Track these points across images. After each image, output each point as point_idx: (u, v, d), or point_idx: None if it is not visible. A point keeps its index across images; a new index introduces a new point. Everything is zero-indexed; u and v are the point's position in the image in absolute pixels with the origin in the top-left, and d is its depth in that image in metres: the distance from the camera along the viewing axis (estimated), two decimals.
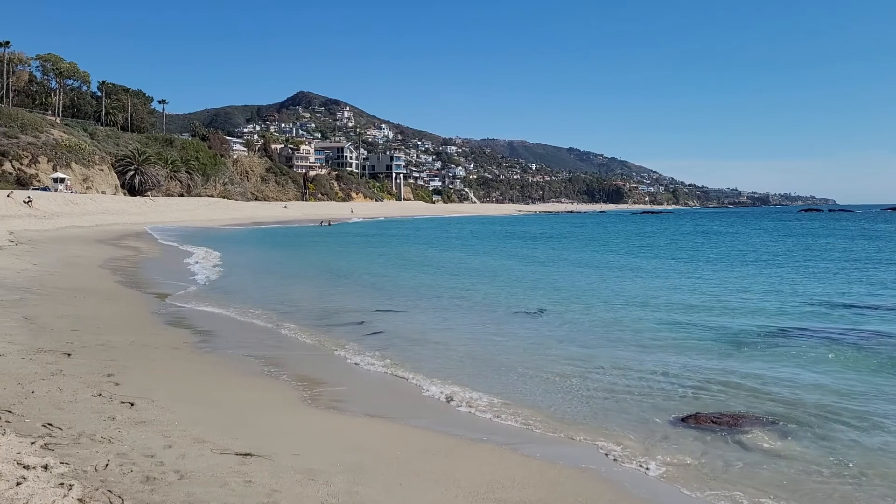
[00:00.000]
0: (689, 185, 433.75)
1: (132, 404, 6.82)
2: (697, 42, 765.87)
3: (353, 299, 18.15)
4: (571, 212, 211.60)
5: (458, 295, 19.46)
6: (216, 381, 8.68)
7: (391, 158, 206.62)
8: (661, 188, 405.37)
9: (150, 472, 4.93)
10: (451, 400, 8.58)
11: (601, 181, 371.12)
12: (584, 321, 14.82)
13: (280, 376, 9.29)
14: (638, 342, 12.51)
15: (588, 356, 11.16)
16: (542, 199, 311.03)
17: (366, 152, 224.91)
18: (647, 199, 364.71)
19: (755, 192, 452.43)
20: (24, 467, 4.63)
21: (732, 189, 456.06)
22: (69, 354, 9.04)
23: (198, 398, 7.56)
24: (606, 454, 6.69)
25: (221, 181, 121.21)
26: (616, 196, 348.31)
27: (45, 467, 4.68)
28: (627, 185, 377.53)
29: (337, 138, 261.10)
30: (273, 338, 12.43)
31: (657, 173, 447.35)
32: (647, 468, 6.32)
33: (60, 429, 5.76)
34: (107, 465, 4.98)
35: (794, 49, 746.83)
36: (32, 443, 5.25)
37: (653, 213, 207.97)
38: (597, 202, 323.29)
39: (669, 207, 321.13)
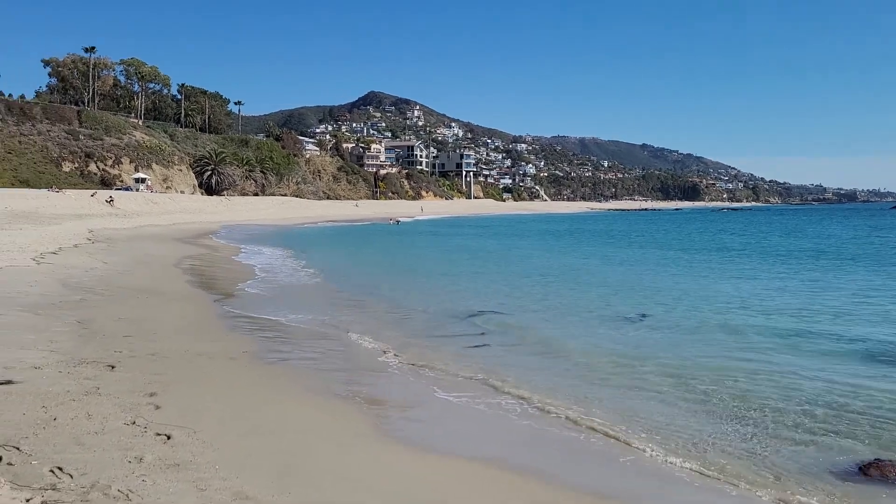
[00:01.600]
0: (770, 181, 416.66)
1: (168, 437, 5.60)
2: (779, 36, 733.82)
3: (436, 303, 16.63)
4: (645, 209, 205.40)
5: (548, 298, 17.83)
6: (274, 401, 7.40)
7: (461, 156, 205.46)
8: (740, 185, 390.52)
9: None
10: (572, 433, 7.02)
11: (676, 178, 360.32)
12: (694, 329, 12.99)
13: (351, 397, 7.94)
14: (764, 355, 10.63)
15: (715, 375, 9.37)
16: (615, 197, 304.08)
17: (436, 151, 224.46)
18: (724, 196, 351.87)
19: (841, 189, 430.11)
20: None
21: (816, 185, 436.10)
22: (113, 367, 7.97)
23: (249, 426, 6.28)
24: None
25: (294, 180, 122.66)
26: (692, 193, 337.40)
27: None
28: (704, 181, 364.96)
29: (407, 137, 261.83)
30: (347, 347, 11.15)
31: (735, 169, 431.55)
32: None
33: (71, 476, 4.57)
34: None
35: (882, 45, 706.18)
36: (28, 500, 4.07)
37: (732, 210, 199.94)
38: (671, 199, 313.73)
39: (748, 204, 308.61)
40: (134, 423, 5.89)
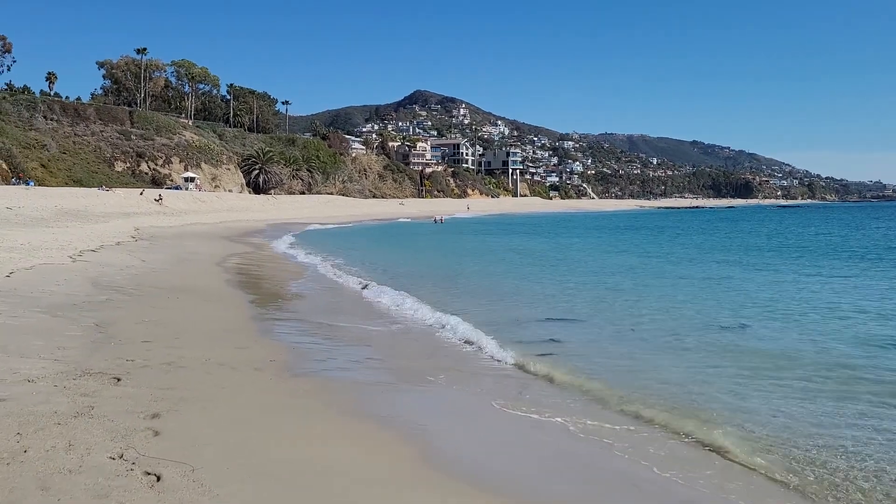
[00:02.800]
0: (827, 178, 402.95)
1: (158, 478, 4.47)
2: (832, 22, 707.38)
3: (488, 310, 14.98)
4: (697, 207, 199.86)
5: (620, 305, 15.93)
6: (298, 425, 6.23)
7: (507, 154, 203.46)
8: (795, 181, 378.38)
9: None
10: (650, 471, 5.71)
11: (728, 175, 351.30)
12: (809, 347, 10.92)
13: (393, 418, 6.75)
14: None
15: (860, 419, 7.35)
16: (664, 195, 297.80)
17: (481, 149, 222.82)
18: (779, 193, 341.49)
19: None
20: None
21: (875, 182, 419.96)
22: (119, 379, 6.92)
23: (263, 462, 5.11)
24: None
25: (341, 179, 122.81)
26: (745, 191, 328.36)
27: None
28: (757, 178, 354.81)
29: (453, 136, 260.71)
30: (388, 357, 9.96)
31: (790, 166, 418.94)
32: None
33: None
34: None
35: None
36: None
37: (786, 207, 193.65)
38: (723, 197, 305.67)
39: (804, 202, 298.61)
40: (122, 456, 4.78)
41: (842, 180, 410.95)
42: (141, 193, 62.57)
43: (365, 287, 18.47)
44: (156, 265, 20.74)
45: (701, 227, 66.17)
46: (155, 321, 10.85)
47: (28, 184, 58.84)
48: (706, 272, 23.70)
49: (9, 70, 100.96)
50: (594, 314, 14.40)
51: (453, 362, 9.70)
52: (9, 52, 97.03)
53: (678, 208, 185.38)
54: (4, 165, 64.66)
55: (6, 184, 58.00)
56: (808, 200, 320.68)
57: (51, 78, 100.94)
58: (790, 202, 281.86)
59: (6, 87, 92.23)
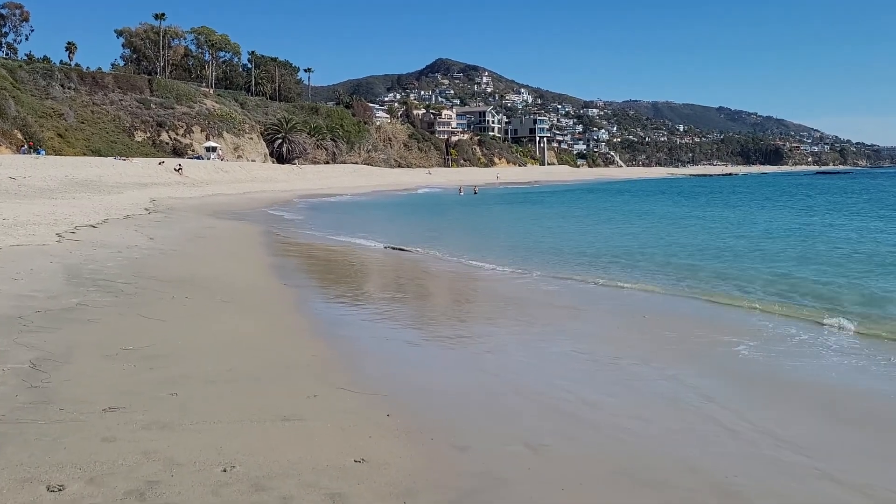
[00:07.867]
0: (857, 143, 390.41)
1: None
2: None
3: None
4: (730, 174, 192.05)
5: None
6: None
7: (534, 122, 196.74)
8: (826, 147, 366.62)
9: None
10: None
11: (757, 141, 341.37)
12: None
13: None
14: None
15: None
16: (692, 162, 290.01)
17: (505, 117, 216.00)
18: (809, 159, 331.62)
19: None
20: None
21: None
22: None
23: None
24: None
25: (365, 148, 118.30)
26: (774, 157, 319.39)
27: None
28: (787, 144, 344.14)
29: (476, 104, 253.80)
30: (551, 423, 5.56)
31: (819, 132, 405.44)
32: None
33: None
34: None
35: None
36: None
37: (827, 173, 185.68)
38: (752, 164, 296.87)
39: (838, 167, 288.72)
40: None
41: (873, 145, 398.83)
42: (160, 163, 58.62)
43: (439, 274, 14.04)
44: (165, 244, 16.46)
45: (755, 196, 60.72)
46: (140, 349, 6.51)
47: (39, 153, 55.02)
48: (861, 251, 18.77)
49: (27, 40, 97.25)
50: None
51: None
52: (26, 20, 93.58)
53: (711, 175, 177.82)
54: (19, 135, 60.99)
55: (17, 153, 54.30)
56: (841, 166, 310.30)
57: (70, 48, 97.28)
58: (825, 168, 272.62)
59: (26, 57, 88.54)
